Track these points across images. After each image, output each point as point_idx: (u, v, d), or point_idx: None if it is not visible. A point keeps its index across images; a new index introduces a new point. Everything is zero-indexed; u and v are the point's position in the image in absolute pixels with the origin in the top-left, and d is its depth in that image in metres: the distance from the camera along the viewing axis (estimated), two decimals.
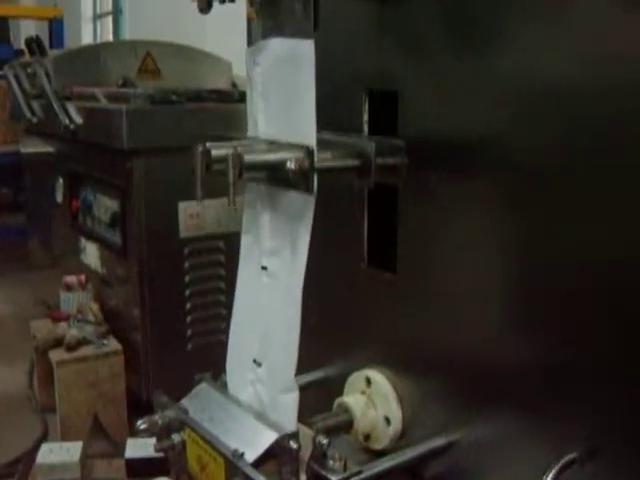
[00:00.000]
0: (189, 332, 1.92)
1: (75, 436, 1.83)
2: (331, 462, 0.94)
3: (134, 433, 1.07)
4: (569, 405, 0.89)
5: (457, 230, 1.00)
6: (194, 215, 1.88)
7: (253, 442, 0.96)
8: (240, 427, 1.00)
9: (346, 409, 1.11)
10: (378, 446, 1.13)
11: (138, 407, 1.83)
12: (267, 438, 0.95)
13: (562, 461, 0.85)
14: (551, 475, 0.85)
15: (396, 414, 1.09)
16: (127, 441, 1.76)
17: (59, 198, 2.45)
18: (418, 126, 1.04)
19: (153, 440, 1.70)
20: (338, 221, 1.21)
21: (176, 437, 1.05)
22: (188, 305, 1.92)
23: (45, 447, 1.78)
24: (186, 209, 1.87)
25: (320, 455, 0.95)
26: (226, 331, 1.88)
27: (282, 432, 0.95)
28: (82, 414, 1.90)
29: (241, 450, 0.94)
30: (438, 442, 1.05)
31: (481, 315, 0.99)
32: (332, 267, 1.22)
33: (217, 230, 1.92)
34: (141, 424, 1.06)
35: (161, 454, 1.65)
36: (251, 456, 0.94)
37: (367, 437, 1.13)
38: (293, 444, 0.92)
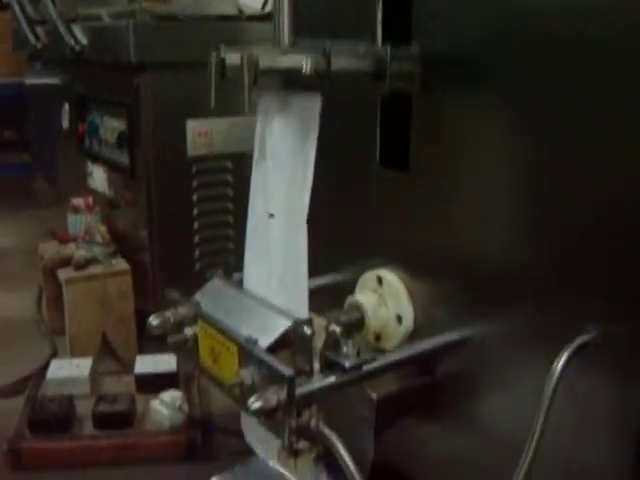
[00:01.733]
0: (197, 252, 1.92)
1: (84, 355, 1.83)
2: (345, 349, 0.94)
3: (147, 331, 1.07)
4: (577, 294, 0.89)
5: (470, 136, 0.99)
6: (202, 133, 1.87)
7: (267, 329, 0.96)
8: (254, 317, 1.00)
9: (358, 307, 1.12)
10: (389, 345, 1.13)
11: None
12: (281, 324, 0.95)
13: (577, 342, 0.85)
14: (565, 356, 0.85)
15: (408, 312, 1.10)
16: (136, 358, 1.77)
17: (65, 124, 2.43)
18: (433, 33, 1.02)
19: (162, 357, 1.73)
20: (352, 126, 1.20)
21: (188, 331, 1.05)
22: (196, 225, 1.91)
23: (55, 363, 1.79)
24: (194, 127, 1.85)
25: (333, 343, 0.95)
26: (234, 252, 1.89)
27: (296, 318, 0.95)
28: (91, 333, 1.91)
29: (255, 337, 0.94)
30: (451, 337, 1.05)
31: (491, 215, 0.98)
32: (345, 170, 1.21)
33: (226, 149, 1.91)
34: (153, 320, 1.06)
35: (170, 369, 1.68)
36: (265, 342, 0.94)
37: (378, 338, 1.14)
38: (307, 330, 0.92)
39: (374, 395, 1.05)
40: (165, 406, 1.59)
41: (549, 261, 0.93)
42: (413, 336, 1.13)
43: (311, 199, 0.98)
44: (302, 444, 0.94)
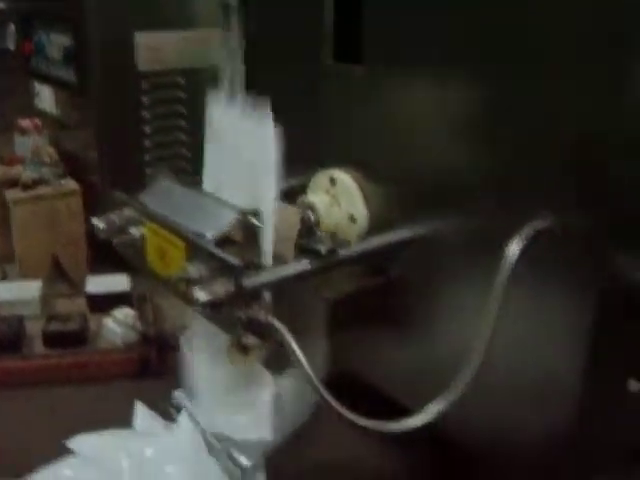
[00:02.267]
0: (148, 171, 1.87)
1: (34, 278, 1.79)
2: (319, 234, 0.92)
3: (94, 231, 1.03)
4: (530, 187, 0.86)
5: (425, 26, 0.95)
6: (152, 48, 1.80)
7: (215, 223, 0.92)
8: (202, 212, 0.96)
9: (310, 207, 1.08)
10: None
11: (97, 249, 1.79)
12: (228, 217, 0.92)
13: (531, 227, 0.83)
14: (518, 241, 0.82)
15: (361, 212, 1.07)
16: (88, 278, 1.73)
17: (11, 45, 2.34)
18: None
19: (114, 277, 1.69)
20: (302, 19, 1.15)
21: (135, 232, 1.01)
22: (147, 143, 1.86)
23: (3, 286, 1.75)
24: (144, 41, 1.78)
25: (307, 231, 0.93)
26: (186, 170, 1.85)
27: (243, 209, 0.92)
28: (41, 255, 1.86)
29: (202, 231, 0.91)
30: (406, 233, 1.02)
31: (444, 109, 0.95)
32: (295, 68, 1.16)
33: (177, 65, 1.85)
34: (98, 222, 1.02)
35: (123, 289, 1.64)
36: (212, 235, 0.90)
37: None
38: (254, 221, 0.89)
39: (328, 296, 1.03)
40: (118, 324, 1.56)
41: (502, 156, 0.90)
42: (367, 236, 1.10)
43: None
44: (252, 340, 0.92)
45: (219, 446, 1.09)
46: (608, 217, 0.82)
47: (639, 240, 0.87)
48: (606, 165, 0.80)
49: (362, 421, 0.82)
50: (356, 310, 1.07)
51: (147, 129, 1.86)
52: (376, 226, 1.08)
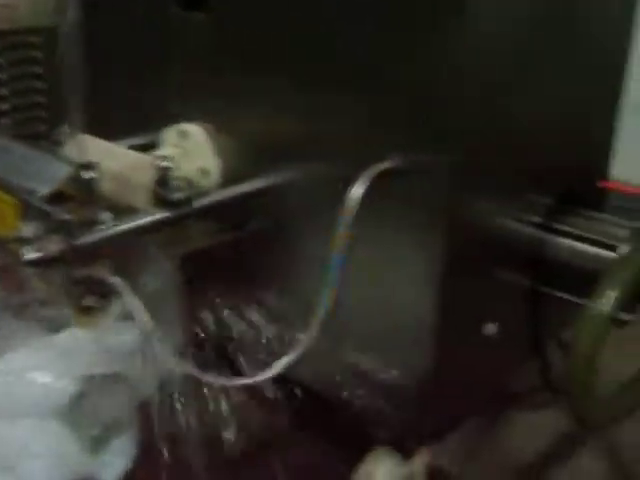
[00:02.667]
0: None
1: None
2: (175, 182, 0.88)
3: None
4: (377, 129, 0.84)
5: None
6: (4, 5, 1.70)
7: (48, 178, 0.87)
8: (38, 168, 0.91)
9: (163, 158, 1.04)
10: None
11: None
12: (62, 171, 0.87)
13: (375, 168, 0.81)
14: (362, 181, 0.80)
15: (213, 165, 1.03)
16: None
17: None
18: None
19: None
20: None
21: None
22: (5, 106, 1.76)
23: None
24: None
25: (162, 179, 0.89)
26: (47, 135, 1.76)
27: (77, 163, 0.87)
28: None
29: (36, 188, 0.86)
30: (259, 184, 0.99)
31: (295, 55, 0.92)
32: (138, 18, 1.10)
33: (33, 23, 1.75)
34: None
35: None
36: (45, 190, 0.85)
37: None
38: (88, 174, 0.84)
39: (177, 251, 0.99)
40: None
41: (342, 98, 0.88)
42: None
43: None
44: (94, 301, 0.87)
45: None
46: (453, 158, 0.81)
47: (481, 183, 0.87)
48: (446, 104, 0.79)
49: (207, 377, 0.79)
50: (208, 267, 1.03)
51: (3, 91, 1.76)
52: (229, 179, 1.04)
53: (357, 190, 0.79)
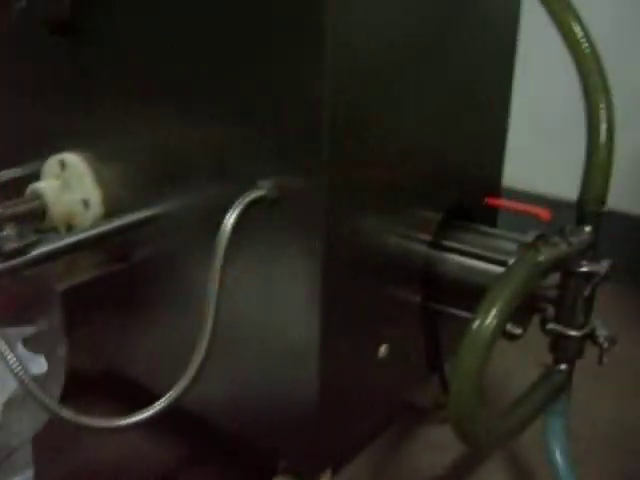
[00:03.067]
0: None
1: None
2: (6, 231, 0.84)
3: None
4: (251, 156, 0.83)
5: None
6: None
7: None
8: None
9: (39, 195, 1.01)
10: None
11: None
12: None
13: (248, 197, 0.79)
14: (235, 212, 0.79)
15: (94, 195, 1.00)
16: None
17: None
18: None
19: None
20: None
21: None
22: None
23: None
24: None
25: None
26: None
27: None
28: None
29: None
30: (136, 216, 0.97)
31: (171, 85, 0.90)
32: (11, 43, 1.07)
33: None
34: None
35: None
36: None
37: (69, 227, 1.04)
38: None
39: (59, 287, 0.96)
40: None
41: (215, 126, 0.86)
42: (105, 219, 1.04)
43: None
44: None
45: None
46: (327, 179, 0.79)
47: (360, 203, 0.86)
48: (320, 125, 0.78)
49: (83, 420, 0.75)
50: (95, 299, 1.00)
51: None
52: (112, 209, 1.01)
53: (228, 221, 0.78)
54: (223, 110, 0.83)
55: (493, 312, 0.80)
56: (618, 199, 1.76)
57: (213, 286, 0.78)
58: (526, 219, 1.63)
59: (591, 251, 0.92)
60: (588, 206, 0.91)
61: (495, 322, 0.80)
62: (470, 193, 1.09)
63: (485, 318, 0.80)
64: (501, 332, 0.82)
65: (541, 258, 0.84)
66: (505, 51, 1.12)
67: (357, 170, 0.84)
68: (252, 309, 0.89)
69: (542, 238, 0.92)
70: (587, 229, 0.91)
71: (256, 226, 0.83)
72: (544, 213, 0.95)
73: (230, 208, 0.79)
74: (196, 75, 0.85)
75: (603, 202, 0.91)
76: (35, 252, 0.86)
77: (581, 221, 0.92)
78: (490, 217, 1.13)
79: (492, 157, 1.16)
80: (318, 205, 0.80)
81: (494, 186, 1.15)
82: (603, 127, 0.90)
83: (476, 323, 0.81)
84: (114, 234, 0.95)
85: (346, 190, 0.82)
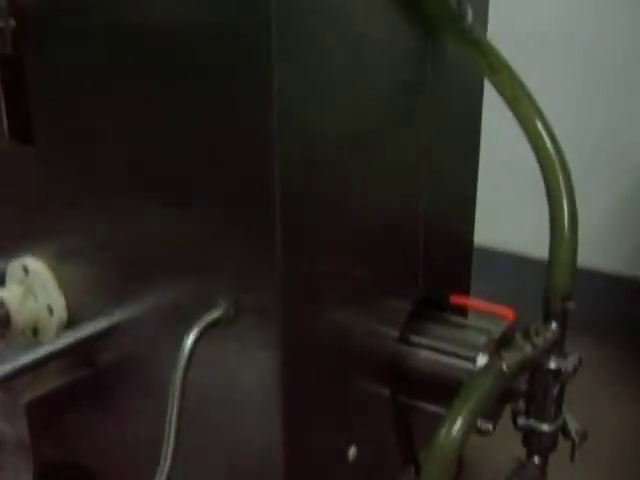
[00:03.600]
0: None
1: None
2: None
3: None
4: (208, 272, 0.83)
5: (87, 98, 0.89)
6: None
7: None
8: None
9: (2, 304, 1.00)
10: (47, 338, 1.03)
11: None
12: None
13: (206, 318, 0.79)
14: (193, 334, 0.78)
15: (58, 302, 1.00)
16: None
17: None
18: None
19: None
20: None
21: None
22: None
23: None
24: None
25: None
26: None
27: None
28: None
29: None
30: (100, 325, 0.96)
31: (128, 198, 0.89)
32: None
33: None
34: None
35: None
36: None
37: (35, 332, 1.03)
38: None
39: (22, 399, 0.95)
40: None
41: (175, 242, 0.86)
42: (70, 325, 1.03)
43: None
44: None
45: None
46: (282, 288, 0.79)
47: (320, 303, 0.85)
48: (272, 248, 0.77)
49: None
50: (61, 406, 0.99)
51: None
52: (76, 315, 1.01)
53: (186, 344, 0.77)
54: (173, 214, 0.83)
55: (458, 424, 0.80)
56: (595, 257, 1.78)
57: (174, 404, 0.78)
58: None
59: (558, 347, 0.92)
60: (554, 304, 0.90)
61: (461, 433, 0.80)
62: (439, 282, 1.08)
63: (451, 429, 0.80)
64: (468, 437, 0.81)
65: (505, 368, 0.84)
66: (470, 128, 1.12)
67: (313, 270, 0.83)
68: (216, 414, 0.89)
69: (507, 335, 0.92)
70: (553, 326, 0.91)
71: (216, 339, 0.82)
72: (509, 313, 0.95)
73: (188, 330, 0.78)
74: (148, 178, 0.85)
75: (569, 299, 0.90)
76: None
77: (547, 317, 0.92)
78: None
79: (458, 253, 1.16)
80: (274, 313, 0.79)
81: (463, 274, 1.15)
82: (565, 229, 0.90)
83: (442, 433, 0.80)
84: (79, 345, 0.94)
85: (304, 294, 0.82)
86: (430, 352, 1.00)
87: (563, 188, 0.87)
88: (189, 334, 0.78)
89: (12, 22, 0.91)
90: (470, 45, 0.91)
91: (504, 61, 0.90)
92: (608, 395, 1.56)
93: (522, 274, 1.85)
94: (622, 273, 1.84)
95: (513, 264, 1.92)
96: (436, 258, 1.07)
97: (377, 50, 0.86)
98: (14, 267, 1.04)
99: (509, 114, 0.89)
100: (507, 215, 1.90)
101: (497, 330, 0.94)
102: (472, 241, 1.17)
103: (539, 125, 0.88)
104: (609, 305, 1.82)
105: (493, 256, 1.94)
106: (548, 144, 0.88)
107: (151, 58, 0.80)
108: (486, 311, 0.98)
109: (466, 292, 1.13)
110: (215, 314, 0.79)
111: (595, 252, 1.79)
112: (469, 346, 0.98)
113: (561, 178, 0.87)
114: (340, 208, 0.85)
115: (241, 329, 0.82)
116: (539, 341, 0.88)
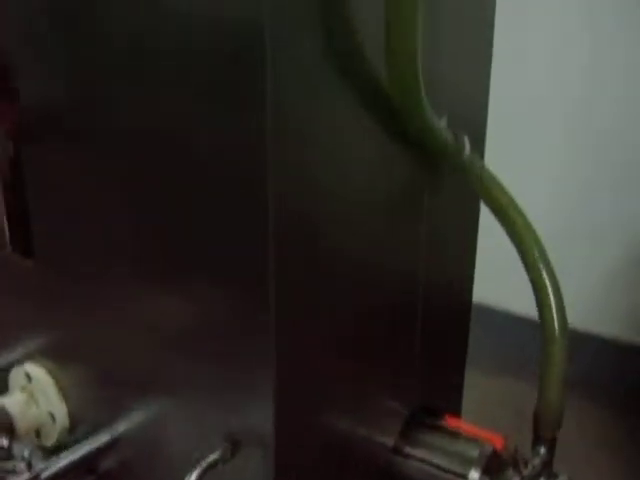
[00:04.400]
0: None
1: None
2: (13, 464, 0.87)
3: None
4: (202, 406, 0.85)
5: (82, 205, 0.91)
6: None
7: None
8: None
9: (5, 412, 1.02)
10: (48, 443, 1.06)
11: None
12: None
13: (204, 462, 0.81)
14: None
15: (59, 409, 1.02)
16: None
17: None
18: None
19: None
20: None
21: None
22: None
23: None
24: None
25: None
26: None
27: None
28: None
29: None
30: (103, 438, 0.98)
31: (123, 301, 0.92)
32: None
33: None
34: None
35: None
36: None
37: (38, 434, 1.05)
38: None
39: None
40: None
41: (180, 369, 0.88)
42: (71, 431, 1.05)
43: None
44: None
45: None
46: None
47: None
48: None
49: None
50: None
51: None
52: (78, 422, 1.03)
53: None
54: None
55: None
56: (591, 320, 1.80)
57: None
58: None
59: (547, 469, 0.94)
60: (544, 431, 0.92)
61: None
62: (432, 392, 1.10)
63: None
64: None
65: None
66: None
67: (309, 406, 0.85)
68: None
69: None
70: (542, 451, 0.93)
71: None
72: (498, 441, 0.97)
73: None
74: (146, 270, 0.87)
75: (559, 426, 0.92)
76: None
77: (537, 440, 0.94)
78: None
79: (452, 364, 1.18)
80: (270, 446, 0.81)
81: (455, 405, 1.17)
82: (557, 345, 0.92)
83: None
84: (90, 457, 0.97)
85: (299, 425, 0.84)
86: (423, 464, 1.02)
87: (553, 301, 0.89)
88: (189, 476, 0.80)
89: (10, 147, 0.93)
90: (471, 181, 0.93)
91: (509, 197, 0.92)
92: (605, 456, 1.58)
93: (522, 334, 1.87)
94: (617, 336, 1.86)
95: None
96: (434, 368, 1.09)
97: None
98: (17, 373, 1.06)
99: None
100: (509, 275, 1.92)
101: (487, 451, 0.96)
102: (466, 349, 1.19)
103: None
104: (604, 368, 1.84)
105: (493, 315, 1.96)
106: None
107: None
108: (477, 435, 1.00)
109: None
110: (213, 457, 0.81)
111: (591, 315, 1.81)
112: (463, 460, 1.00)
113: (547, 281, 0.89)
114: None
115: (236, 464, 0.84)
116: (528, 471, 0.90)
